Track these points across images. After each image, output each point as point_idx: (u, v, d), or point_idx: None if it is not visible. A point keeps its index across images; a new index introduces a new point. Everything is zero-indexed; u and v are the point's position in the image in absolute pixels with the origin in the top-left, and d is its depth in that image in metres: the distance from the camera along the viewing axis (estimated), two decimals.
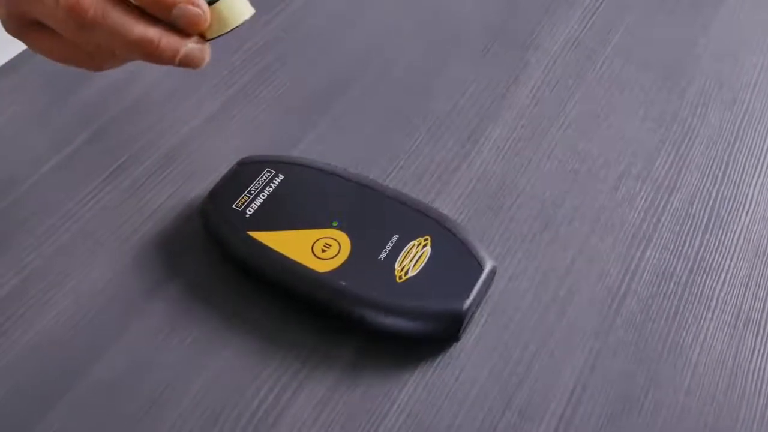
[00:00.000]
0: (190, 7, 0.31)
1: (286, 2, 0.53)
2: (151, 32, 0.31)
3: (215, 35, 0.33)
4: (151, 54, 0.31)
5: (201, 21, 0.31)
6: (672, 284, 0.38)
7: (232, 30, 0.33)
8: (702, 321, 0.37)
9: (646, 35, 0.52)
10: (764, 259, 0.39)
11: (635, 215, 0.41)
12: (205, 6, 0.31)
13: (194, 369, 0.35)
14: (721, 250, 0.40)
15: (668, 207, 0.42)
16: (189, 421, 0.33)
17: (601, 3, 0.54)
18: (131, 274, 0.38)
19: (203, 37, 0.32)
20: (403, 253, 0.36)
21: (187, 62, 0.32)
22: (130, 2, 0.31)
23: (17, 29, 0.33)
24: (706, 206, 0.42)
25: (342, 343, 0.35)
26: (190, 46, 0.32)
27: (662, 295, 0.38)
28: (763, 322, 0.37)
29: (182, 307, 0.37)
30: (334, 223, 0.37)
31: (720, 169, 0.44)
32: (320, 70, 0.48)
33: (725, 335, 0.36)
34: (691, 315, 0.37)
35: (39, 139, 0.44)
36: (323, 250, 0.36)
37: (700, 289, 0.38)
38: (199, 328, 0.36)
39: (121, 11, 0.30)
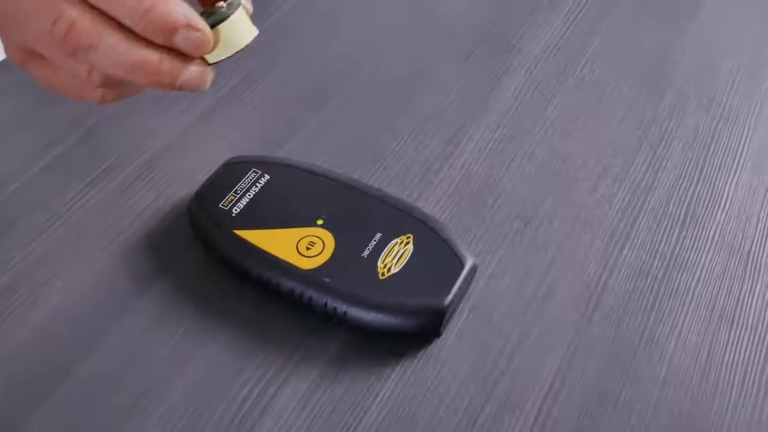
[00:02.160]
0: (193, 32, 0.29)
1: (276, 6, 0.54)
2: (152, 55, 0.30)
3: (218, 59, 0.31)
4: (151, 77, 0.30)
5: (204, 46, 0.30)
6: (648, 280, 0.39)
7: (235, 54, 0.32)
8: (677, 315, 0.38)
9: (626, 39, 0.53)
10: (738, 256, 0.40)
11: (613, 214, 0.42)
12: (207, 30, 0.30)
13: (181, 365, 0.35)
14: (696, 248, 0.41)
15: (645, 206, 0.43)
16: (175, 416, 0.34)
17: (582, 8, 0.55)
18: (119, 273, 0.39)
19: (205, 60, 0.31)
20: (385, 250, 0.36)
21: (188, 87, 0.31)
22: (129, 28, 0.30)
23: (21, 60, 0.32)
24: (683, 205, 0.43)
25: (325, 339, 0.36)
26: (192, 69, 0.31)
27: (639, 292, 0.39)
28: (736, 316, 0.38)
29: (169, 305, 0.37)
30: (319, 222, 0.38)
31: (696, 169, 0.45)
32: (307, 72, 0.49)
33: (700, 329, 0.37)
34: (667, 310, 0.38)
35: (27, 140, 0.45)
36: (308, 248, 0.36)
37: (676, 285, 0.39)
38: (185, 325, 0.37)
39: (120, 34, 0.29)
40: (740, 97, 0.49)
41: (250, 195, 0.39)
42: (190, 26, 0.29)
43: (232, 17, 0.31)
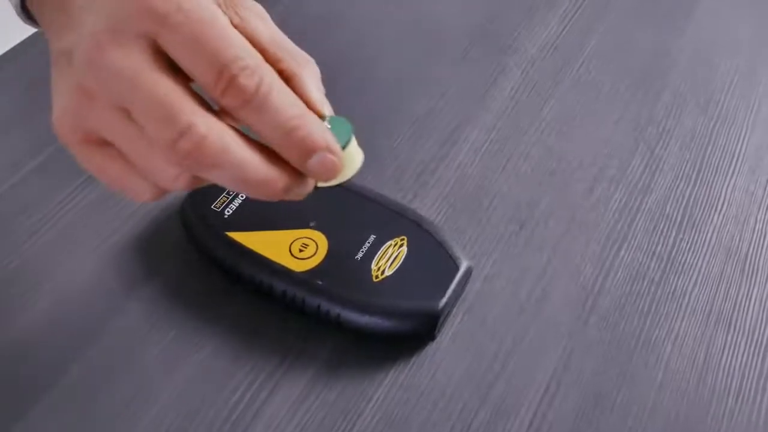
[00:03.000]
0: (329, 156, 0.27)
1: (270, 5, 0.53)
2: (275, 174, 0.27)
3: (326, 184, 0.29)
4: (263, 194, 0.27)
5: (336, 171, 0.28)
6: (645, 283, 0.39)
7: (344, 182, 0.30)
8: (674, 319, 0.37)
9: (623, 39, 0.52)
10: (735, 258, 0.40)
11: (610, 216, 0.42)
12: (342, 154, 0.28)
13: (171, 368, 0.35)
14: (693, 250, 0.40)
15: (642, 208, 0.42)
16: (166, 420, 0.33)
17: (578, 8, 0.55)
18: (111, 274, 0.38)
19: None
20: (379, 253, 0.36)
21: (287, 198, 0.29)
22: (247, 134, 0.27)
23: (76, 142, 0.28)
24: (680, 207, 0.42)
25: (318, 342, 0.36)
26: (301, 186, 0.28)
27: (635, 294, 0.38)
28: (733, 320, 0.37)
29: (161, 307, 0.37)
30: (312, 224, 0.37)
31: (694, 170, 0.44)
32: None
33: (697, 333, 0.37)
34: (664, 313, 0.38)
35: (19, 141, 0.44)
36: (300, 250, 0.36)
37: (673, 287, 0.39)
38: (177, 328, 0.36)
39: (247, 151, 0.27)
40: (738, 98, 0.49)
41: (242, 196, 0.38)
42: (328, 150, 0.27)
43: (354, 142, 0.30)
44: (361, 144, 0.28)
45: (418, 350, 0.36)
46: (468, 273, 0.37)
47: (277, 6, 0.53)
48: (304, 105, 0.28)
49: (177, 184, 0.27)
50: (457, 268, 0.36)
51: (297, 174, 0.28)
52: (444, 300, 0.35)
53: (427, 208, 0.42)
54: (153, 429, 0.33)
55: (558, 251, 0.40)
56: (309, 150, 0.27)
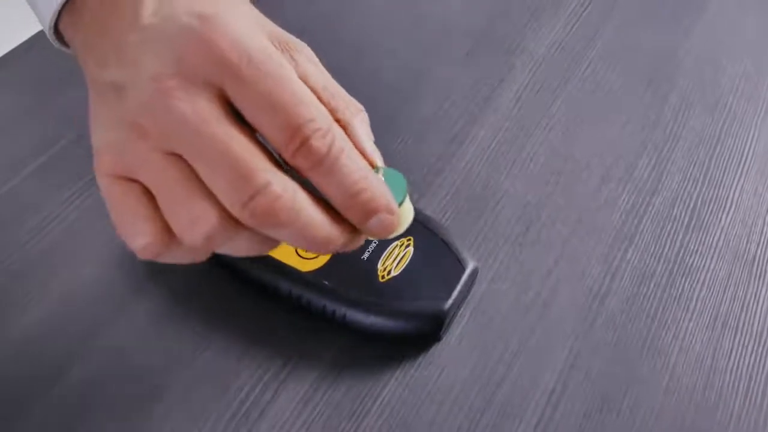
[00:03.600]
0: (389, 217, 0.27)
1: (274, 5, 0.53)
2: (336, 232, 0.27)
3: (379, 239, 0.29)
4: (318, 250, 0.27)
5: (393, 230, 0.28)
6: (652, 285, 0.39)
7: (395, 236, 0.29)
8: (681, 322, 0.37)
9: (630, 40, 0.52)
10: (743, 261, 0.40)
11: (617, 217, 0.42)
12: (399, 214, 0.28)
13: (177, 367, 0.35)
14: (700, 252, 0.40)
15: (650, 209, 0.42)
16: (171, 419, 0.33)
17: (585, 8, 0.55)
18: (115, 274, 0.38)
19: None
20: (385, 253, 0.36)
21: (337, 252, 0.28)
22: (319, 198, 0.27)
23: (111, 177, 0.27)
24: (687, 208, 0.42)
25: (324, 342, 0.36)
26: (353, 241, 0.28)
27: (642, 296, 0.38)
28: (740, 323, 0.37)
29: (166, 307, 0.37)
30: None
31: (701, 172, 0.44)
32: None
33: (704, 336, 0.37)
34: (671, 316, 0.37)
35: (24, 138, 0.44)
36: (307, 250, 0.36)
37: (680, 290, 0.38)
38: (182, 327, 0.36)
39: (314, 211, 0.26)
40: (745, 99, 0.48)
41: None
42: (389, 210, 0.27)
43: (408, 200, 0.30)
44: None
45: (424, 351, 0.36)
46: (474, 274, 0.37)
47: (281, 6, 0.53)
48: (367, 164, 0.28)
49: (199, 239, 0.26)
50: (463, 269, 0.36)
51: (353, 231, 0.28)
52: (450, 301, 0.35)
53: (434, 208, 0.41)
54: (158, 428, 0.33)
55: (564, 252, 0.40)
56: (371, 212, 0.27)
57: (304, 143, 0.25)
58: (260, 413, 0.33)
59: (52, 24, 0.30)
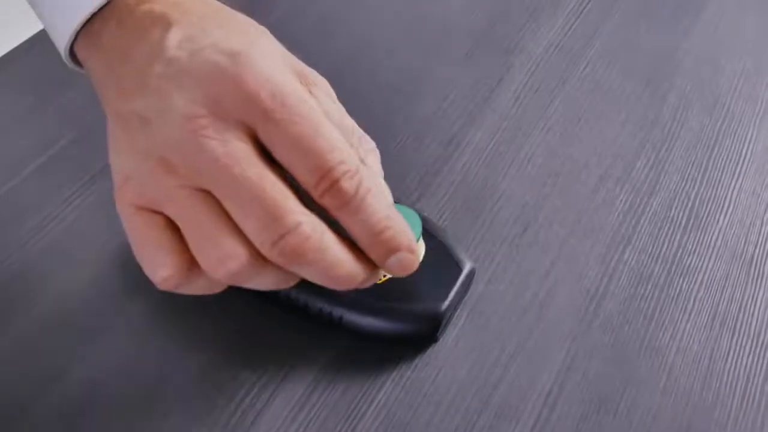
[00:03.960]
0: (409, 255, 0.28)
1: (272, 7, 0.53)
2: (358, 269, 0.27)
3: (390, 275, 0.30)
4: (337, 286, 0.28)
5: (412, 268, 0.28)
6: (650, 286, 0.39)
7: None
8: (678, 322, 0.37)
9: (629, 40, 0.52)
10: (741, 261, 0.40)
11: (614, 218, 0.41)
12: (417, 251, 0.29)
13: (174, 369, 0.35)
14: (698, 252, 0.40)
15: (647, 209, 0.42)
16: (167, 422, 0.33)
17: (584, 8, 0.54)
18: (113, 275, 0.38)
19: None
20: None
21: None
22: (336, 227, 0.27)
23: (132, 206, 0.27)
24: (685, 209, 0.42)
25: (321, 344, 0.36)
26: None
27: (640, 297, 0.38)
28: (738, 324, 0.37)
29: (163, 309, 0.37)
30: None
31: (699, 172, 0.44)
32: None
33: (701, 336, 0.37)
34: (668, 316, 0.37)
35: (24, 138, 0.44)
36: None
37: (677, 290, 0.38)
38: (179, 329, 0.36)
39: (339, 249, 0.27)
40: (744, 99, 0.48)
41: None
42: (410, 249, 0.28)
43: (422, 245, 0.32)
44: None
45: (420, 352, 0.36)
46: (471, 275, 0.37)
47: (279, 7, 0.53)
48: (391, 203, 0.28)
49: (227, 276, 0.26)
50: (460, 270, 0.36)
51: (374, 268, 0.28)
52: (447, 302, 0.35)
53: (431, 209, 0.41)
54: (155, 429, 0.33)
55: (562, 253, 0.40)
56: (393, 250, 0.28)
57: (334, 185, 0.26)
58: (257, 414, 0.33)
59: (68, 46, 0.30)
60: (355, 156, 0.27)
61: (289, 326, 0.36)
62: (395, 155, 0.44)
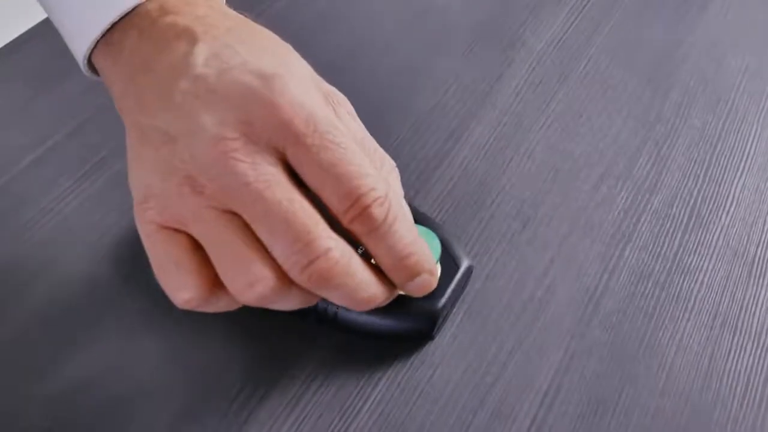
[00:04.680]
0: (429, 278, 0.29)
1: (270, 1, 0.53)
2: (379, 290, 0.28)
3: (415, 296, 0.30)
4: (356, 307, 0.28)
5: (429, 289, 0.29)
6: (650, 284, 0.38)
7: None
8: (678, 321, 0.37)
9: (631, 36, 0.51)
10: (742, 260, 0.39)
11: (615, 215, 0.41)
12: (437, 274, 0.29)
13: (168, 365, 0.34)
14: (699, 251, 0.40)
15: (648, 207, 0.41)
16: (161, 419, 0.33)
17: (586, 4, 0.54)
18: (109, 268, 0.38)
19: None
20: None
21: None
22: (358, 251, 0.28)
23: (154, 225, 0.27)
24: (687, 206, 0.42)
25: (315, 341, 0.35)
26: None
27: (640, 295, 0.38)
28: (739, 323, 0.37)
29: (157, 304, 0.36)
30: None
31: (702, 169, 0.44)
32: None
33: (701, 336, 0.36)
34: (668, 315, 0.37)
35: (18, 133, 0.44)
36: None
37: (678, 289, 0.38)
38: (174, 325, 0.36)
39: (365, 273, 0.27)
40: (747, 96, 0.48)
41: None
42: (431, 273, 0.28)
43: (438, 267, 0.32)
44: None
45: (416, 350, 0.35)
46: (468, 272, 0.37)
47: (279, 3, 0.53)
48: (415, 228, 0.28)
49: (254, 299, 0.26)
50: (457, 267, 0.36)
51: (393, 288, 0.29)
52: (444, 299, 0.35)
53: (429, 205, 0.41)
54: (148, 427, 0.32)
55: (561, 251, 0.39)
56: (415, 274, 0.28)
57: (364, 211, 0.26)
58: (251, 412, 0.33)
59: (87, 55, 0.29)
60: (385, 183, 0.27)
61: (284, 323, 0.36)
62: (394, 150, 0.44)
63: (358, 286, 0.27)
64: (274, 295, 0.26)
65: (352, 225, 0.26)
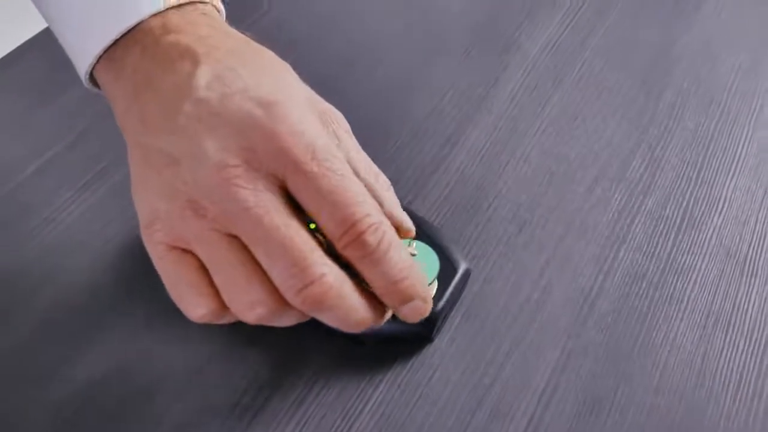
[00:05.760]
0: (422, 305, 0.29)
1: (269, 6, 0.53)
2: (370, 315, 0.28)
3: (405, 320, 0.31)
4: (352, 329, 0.28)
5: (422, 316, 0.29)
6: (644, 285, 0.39)
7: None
8: (672, 321, 0.37)
9: (625, 38, 0.52)
10: (735, 260, 0.40)
11: (609, 217, 0.42)
12: (430, 299, 0.30)
13: (170, 370, 0.35)
14: (692, 251, 0.40)
15: (642, 208, 0.42)
16: (164, 422, 0.33)
17: (581, 6, 0.55)
18: (113, 275, 0.39)
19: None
20: None
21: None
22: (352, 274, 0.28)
23: (165, 245, 0.28)
24: (680, 207, 0.42)
25: (317, 344, 0.36)
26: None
27: (634, 296, 0.38)
28: (732, 322, 0.37)
29: (159, 310, 0.37)
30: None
31: (694, 170, 0.44)
32: (300, 74, 0.49)
33: (695, 335, 0.37)
34: (662, 315, 0.38)
35: (20, 143, 0.45)
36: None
37: (671, 289, 0.39)
38: (176, 331, 0.36)
39: (358, 297, 0.28)
40: (740, 98, 0.48)
41: None
42: (424, 299, 0.29)
43: (435, 284, 0.33)
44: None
45: (416, 352, 0.36)
46: (466, 275, 0.37)
47: (277, 8, 0.53)
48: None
49: (254, 318, 0.27)
50: (455, 270, 0.36)
51: (385, 311, 0.29)
52: (442, 302, 0.35)
53: (427, 209, 0.42)
54: (152, 428, 0.33)
55: (557, 253, 0.40)
56: (408, 299, 0.28)
57: (358, 238, 0.27)
58: (254, 414, 0.34)
59: (89, 70, 0.30)
60: (378, 208, 0.28)
61: (286, 327, 0.36)
62: (392, 155, 0.44)
63: (350, 310, 0.27)
64: (271, 315, 0.27)
65: (346, 250, 0.27)
